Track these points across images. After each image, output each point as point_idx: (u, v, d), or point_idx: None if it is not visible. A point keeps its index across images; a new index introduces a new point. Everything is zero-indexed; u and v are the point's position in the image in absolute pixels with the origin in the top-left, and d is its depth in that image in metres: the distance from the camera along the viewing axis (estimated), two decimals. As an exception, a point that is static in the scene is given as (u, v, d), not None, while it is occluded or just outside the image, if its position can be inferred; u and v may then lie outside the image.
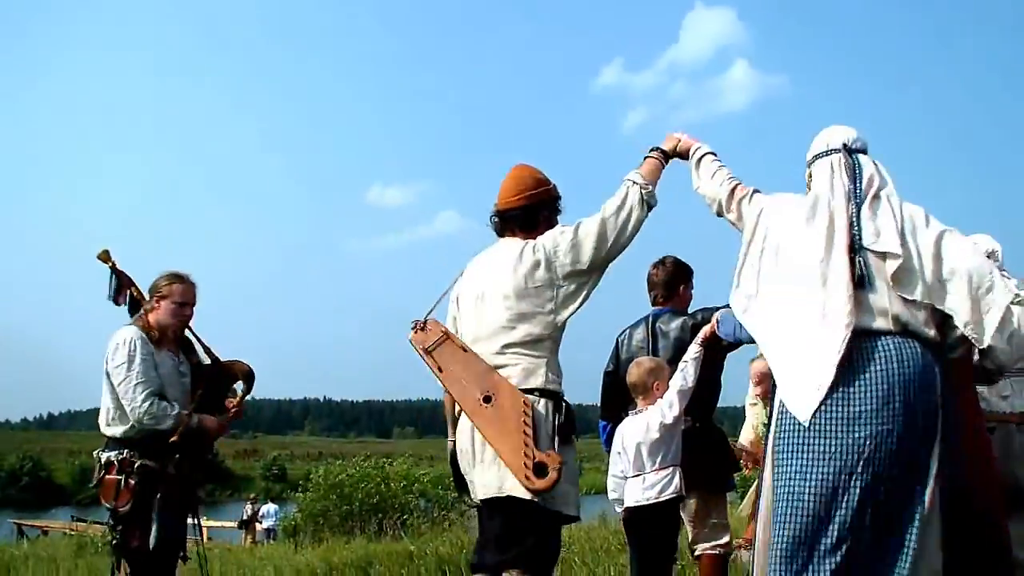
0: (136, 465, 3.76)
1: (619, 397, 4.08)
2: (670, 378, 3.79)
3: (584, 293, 3.13)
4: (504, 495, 2.94)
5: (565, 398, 3.13)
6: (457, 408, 3.16)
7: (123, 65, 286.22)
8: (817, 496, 2.48)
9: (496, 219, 3.35)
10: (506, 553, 2.97)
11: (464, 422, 3.12)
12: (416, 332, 3.25)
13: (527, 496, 2.87)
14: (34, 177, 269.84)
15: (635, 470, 3.75)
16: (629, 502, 3.78)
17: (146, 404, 3.77)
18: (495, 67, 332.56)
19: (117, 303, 4.17)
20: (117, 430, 3.82)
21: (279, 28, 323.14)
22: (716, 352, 3.89)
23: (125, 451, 3.77)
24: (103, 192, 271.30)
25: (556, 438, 2.98)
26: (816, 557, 2.47)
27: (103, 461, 3.81)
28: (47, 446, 66.21)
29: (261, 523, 21.31)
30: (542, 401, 3.01)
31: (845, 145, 2.82)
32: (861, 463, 2.45)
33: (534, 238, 3.19)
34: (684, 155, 3.27)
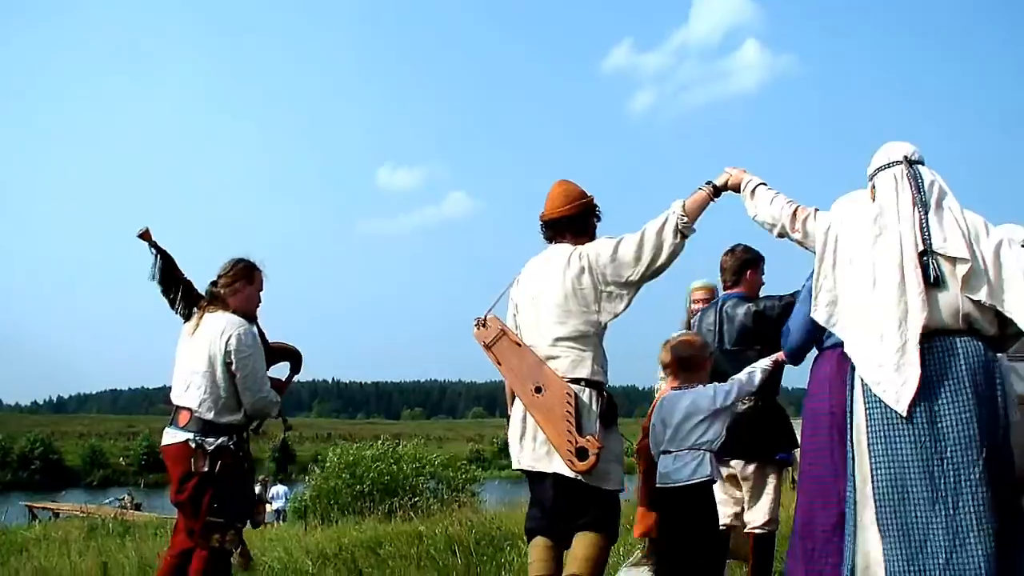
0: (246, 448, 4.03)
1: None
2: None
3: (624, 302, 3.46)
4: (551, 472, 3.33)
5: (608, 387, 3.48)
6: (511, 393, 3.55)
7: (129, 58, 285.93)
8: (919, 481, 2.76)
9: (546, 228, 3.69)
10: (574, 522, 3.38)
11: (518, 404, 3.49)
12: (478, 329, 3.63)
13: (571, 474, 3.26)
14: (40, 179, 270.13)
15: (669, 446, 3.66)
16: (660, 480, 3.67)
17: (271, 393, 4.04)
18: (505, 47, 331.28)
19: (161, 283, 4.24)
20: (231, 417, 3.95)
21: (289, 10, 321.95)
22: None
23: (235, 436, 3.96)
24: (111, 194, 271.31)
25: (598, 424, 3.32)
26: (931, 534, 2.73)
27: (214, 447, 3.89)
28: (57, 429, 66.63)
29: (271, 504, 21.40)
30: (587, 391, 3.36)
31: (906, 157, 3.03)
32: (948, 449, 2.73)
33: (583, 243, 3.55)
34: (736, 189, 3.47)
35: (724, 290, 4.47)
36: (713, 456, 3.63)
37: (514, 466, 3.55)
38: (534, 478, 3.49)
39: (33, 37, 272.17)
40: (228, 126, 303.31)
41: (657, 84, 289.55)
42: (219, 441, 3.88)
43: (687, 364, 3.77)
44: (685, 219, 3.40)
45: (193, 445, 3.86)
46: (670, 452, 3.63)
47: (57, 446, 56.21)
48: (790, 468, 4.67)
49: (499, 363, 3.54)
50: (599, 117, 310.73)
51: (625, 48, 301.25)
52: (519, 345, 3.51)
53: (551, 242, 3.68)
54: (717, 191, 3.50)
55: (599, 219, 3.71)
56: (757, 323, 4.12)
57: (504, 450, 3.71)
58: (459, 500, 12.68)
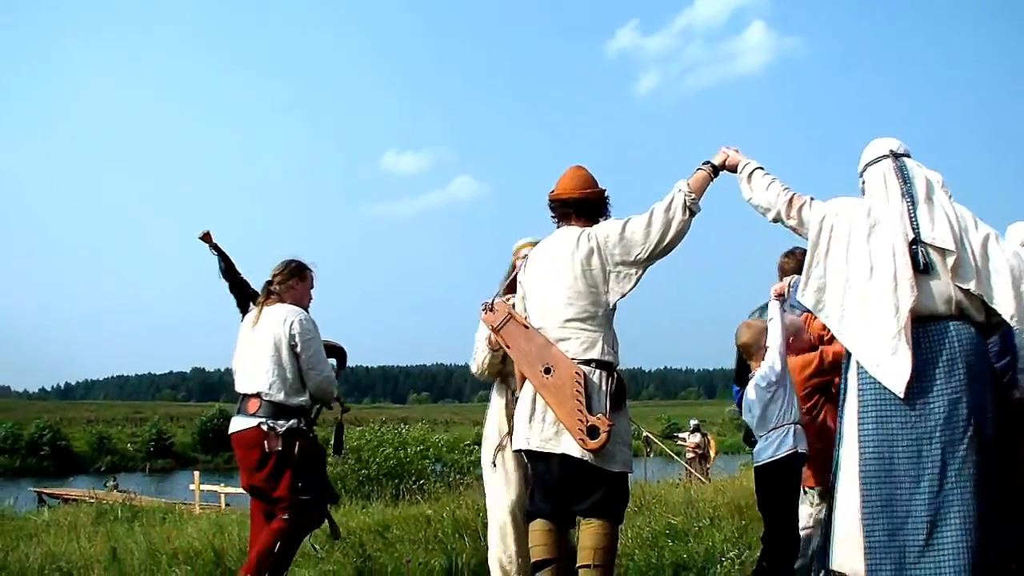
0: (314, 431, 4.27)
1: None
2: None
3: (632, 281, 3.51)
4: (559, 452, 3.39)
5: (618, 369, 3.54)
6: (520, 375, 3.63)
7: (127, 47, 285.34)
8: (906, 459, 2.90)
9: (557, 207, 3.73)
10: (579, 504, 3.44)
11: (527, 385, 3.55)
12: (486, 313, 3.75)
13: (579, 455, 3.33)
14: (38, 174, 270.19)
15: (759, 431, 3.93)
16: (755, 461, 3.96)
17: (332, 373, 4.32)
18: (509, 30, 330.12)
19: (227, 280, 4.66)
20: (299, 399, 4.18)
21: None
22: None
23: (303, 418, 4.19)
24: (112, 190, 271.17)
25: (608, 404, 3.38)
26: (914, 510, 2.86)
27: (285, 429, 4.09)
28: (65, 415, 66.82)
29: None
30: (597, 372, 3.42)
31: (892, 151, 3.21)
32: (938, 429, 2.87)
33: (590, 227, 3.61)
34: (732, 169, 3.58)
35: None
36: (799, 428, 3.82)
37: (516, 446, 3.61)
38: (539, 460, 3.53)
39: (37, 25, 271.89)
40: (229, 115, 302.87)
41: (662, 66, 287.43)
42: (290, 423, 4.09)
43: (750, 349, 4.03)
44: (692, 196, 3.50)
45: (265, 428, 4.07)
46: (761, 436, 3.91)
47: (65, 432, 56.37)
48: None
49: (508, 346, 3.62)
50: (604, 99, 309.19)
51: (630, 30, 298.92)
52: (526, 327, 3.57)
53: (560, 223, 3.74)
54: (716, 170, 3.61)
55: (607, 213, 3.76)
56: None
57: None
58: (465, 483, 12.69)
